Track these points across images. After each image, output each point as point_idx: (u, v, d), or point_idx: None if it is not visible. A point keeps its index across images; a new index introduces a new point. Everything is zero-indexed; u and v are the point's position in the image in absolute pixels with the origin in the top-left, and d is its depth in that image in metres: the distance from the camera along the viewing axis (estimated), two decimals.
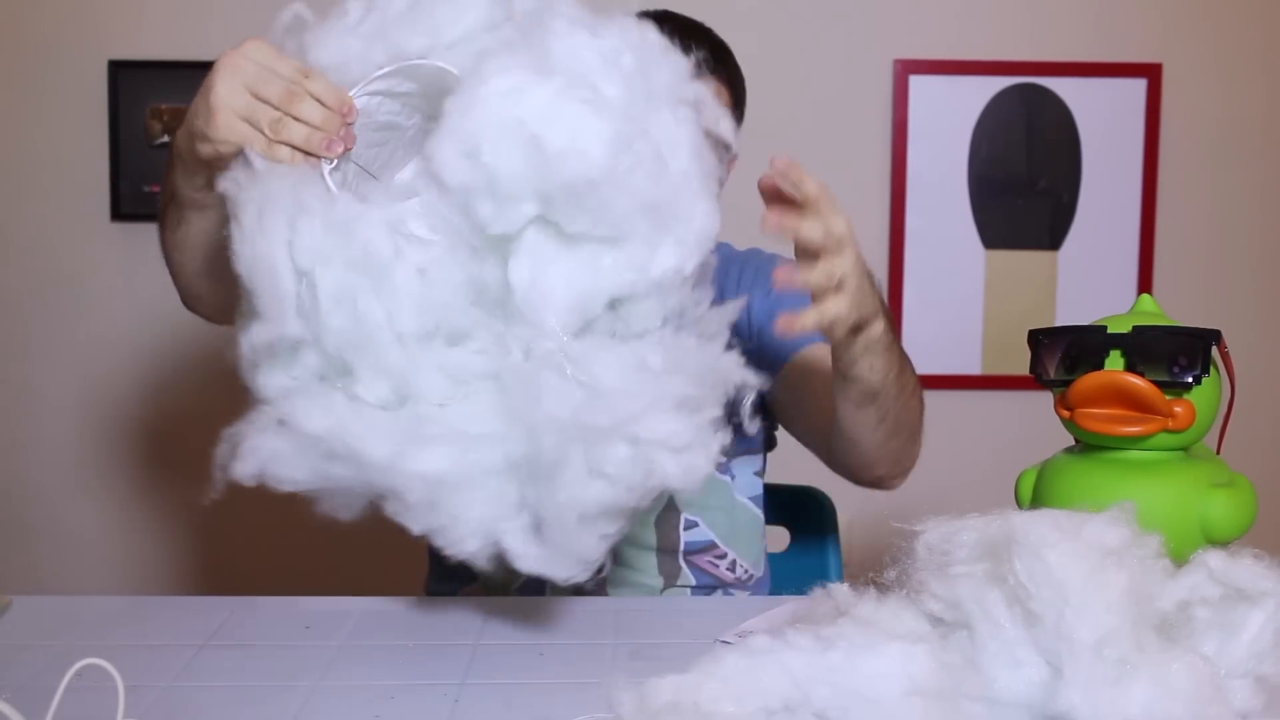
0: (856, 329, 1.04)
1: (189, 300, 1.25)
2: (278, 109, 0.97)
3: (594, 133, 0.88)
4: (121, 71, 2.29)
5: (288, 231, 0.91)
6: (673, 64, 0.98)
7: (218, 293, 1.17)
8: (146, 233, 2.40)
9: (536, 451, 0.90)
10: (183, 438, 2.30)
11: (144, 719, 0.88)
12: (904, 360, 1.17)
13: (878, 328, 1.07)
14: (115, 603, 1.18)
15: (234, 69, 0.98)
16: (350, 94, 0.98)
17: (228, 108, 0.97)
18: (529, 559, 0.94)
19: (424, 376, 0.92)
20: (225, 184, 0.96)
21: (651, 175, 0.91)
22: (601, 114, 0.89)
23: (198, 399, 2.19)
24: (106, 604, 1.17)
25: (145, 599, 1.18)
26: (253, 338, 0.95)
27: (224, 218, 0.99)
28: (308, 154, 0.97)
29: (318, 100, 0.97)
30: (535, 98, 0.88)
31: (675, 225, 0.94)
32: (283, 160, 0.96)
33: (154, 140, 2.30)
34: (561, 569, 0.94)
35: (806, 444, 1.38)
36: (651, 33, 0.98)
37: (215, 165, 1.00)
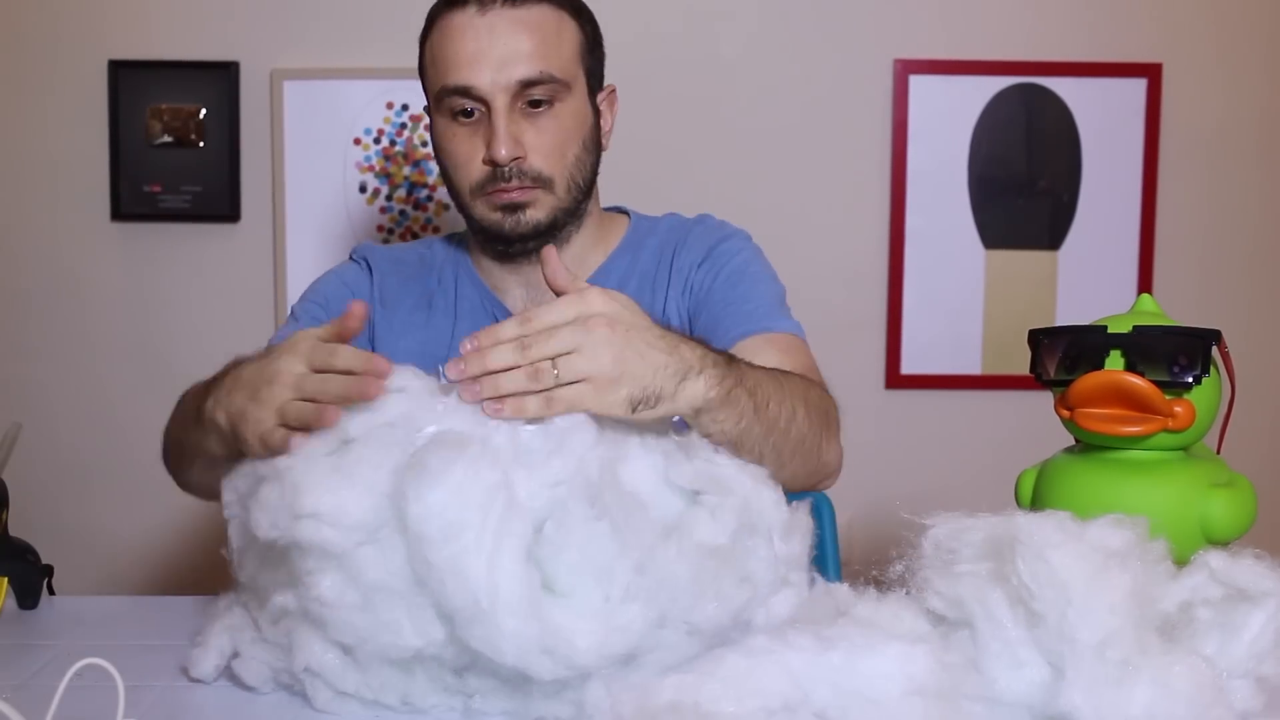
0: (651, 404, 0.94)
1: (198, 489, 1.23)
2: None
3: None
4: (121, 71, 2.28)
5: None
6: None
7: None
8: (146, 233, 2.41)
9: None
10: None
11: (144, 719, 0.88)
12: (762, 391, 1.05)
13: (695, 390, 0.97)
14: (115, 603, 1.18)
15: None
16: None
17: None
18: None
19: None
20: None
21: None
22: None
23: None
24: (106, 604, 1.18)
25: (145, 599, 1.18)
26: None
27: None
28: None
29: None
30: None
31: None
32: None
33: (154, 140, 2.30)
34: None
35: None
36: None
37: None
